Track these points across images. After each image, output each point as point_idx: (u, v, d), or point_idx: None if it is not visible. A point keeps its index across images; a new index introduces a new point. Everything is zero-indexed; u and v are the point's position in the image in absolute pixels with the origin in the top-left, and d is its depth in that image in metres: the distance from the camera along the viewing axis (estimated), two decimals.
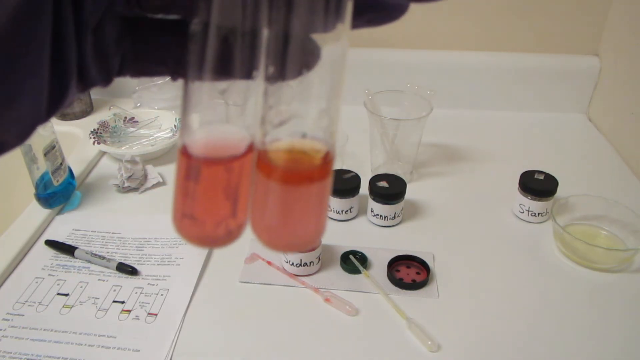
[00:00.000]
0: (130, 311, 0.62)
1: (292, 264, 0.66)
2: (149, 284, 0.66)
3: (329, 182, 0.19)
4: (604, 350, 0.58)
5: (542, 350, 0.58)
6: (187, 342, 0.58)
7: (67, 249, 0.71)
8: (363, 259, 0.68)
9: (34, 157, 0.72)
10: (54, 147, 0.75)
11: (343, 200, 0.74)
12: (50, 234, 0.75)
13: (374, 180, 0.75)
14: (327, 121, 0.18)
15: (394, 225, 0.76)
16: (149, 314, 0.62)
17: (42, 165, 0.74)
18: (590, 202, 0.75)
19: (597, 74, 1.02)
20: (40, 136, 0.72)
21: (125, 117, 0.96)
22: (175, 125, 0.95)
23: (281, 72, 0.18)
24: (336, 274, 0.67)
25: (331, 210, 0.76)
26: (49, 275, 0.68)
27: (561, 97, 1.06)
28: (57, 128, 0.76)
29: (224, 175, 0.18)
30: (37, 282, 0.67)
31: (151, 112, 0.98)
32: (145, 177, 0.84)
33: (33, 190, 0.76)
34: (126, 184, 0.81)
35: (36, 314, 0.62)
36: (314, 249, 0.65)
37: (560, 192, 0.75)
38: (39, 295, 0.65)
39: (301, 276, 0.66)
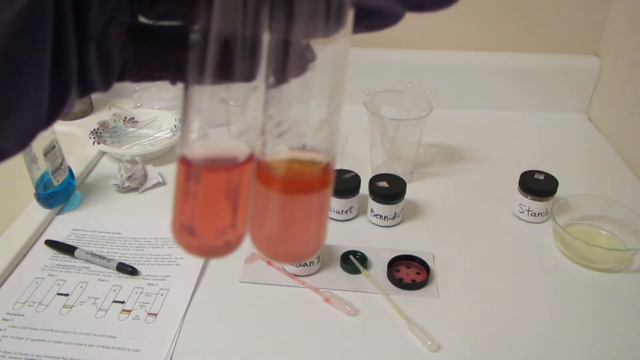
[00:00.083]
0: (130, 311, 0.62)
1: (292, 264, 0.66)
2: (149, 284, 0.66)
3: (329, 193, 0.19)
4: (604, 350, 0.58)
5: (542, 350, 0.58)
6: (187, 342, 0.58)
7: (67, 249, 0.71)
8: (363, 259, 0.68)
9: (34, 157, 0.72)
10: (54, 147, 0.75)
11: (343, 200, 0.74)
12: (50, 234, 0.75)
13: (374, 180, 0.75)
14: (327, 131, 0.18)
15: (394, 225, 0.76)
16: (149, 314, 0.62)
17: (42, 165, 0.74)
18: (590, 202, 0.75)
19: (597, 74, 1.02)
20: (40, 136, 0.72)
21: (125, 117, 0.96)
22: (175, 125, 0.95)
23: (280, 79, 0.18)
24: (336, 274, 0.67)
25: (331, 210, 0.76)
26: (49, 275, 0.68)
27: (561, 97, 1.06)
28: (57, 128, 0.76)
29: (223, 185, 0.18)
30: (37, 282, 0.67)
31: (151, 112, 0.98)
32: (145, 177, 0.84)
33: (33, 190, 0.76)
34: (126, 184, 0.81)
35: (36, 314, 0.62)
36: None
37: (560, 192, 0.75)
38: (39, 295, 0.65)
39: (301, 276, 0.66)
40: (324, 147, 0.18)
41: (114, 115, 0.96)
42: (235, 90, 0.18)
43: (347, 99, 0.19)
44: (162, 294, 0.64)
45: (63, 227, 0.76)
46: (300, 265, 0.66)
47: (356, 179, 0.75)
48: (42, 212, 0.76)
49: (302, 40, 0.17)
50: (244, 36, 0.17)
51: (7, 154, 0.18)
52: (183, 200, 0.18)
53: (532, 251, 0.72)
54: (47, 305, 0.63)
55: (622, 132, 0.95)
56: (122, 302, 0.63)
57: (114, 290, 0.65)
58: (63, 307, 0.63)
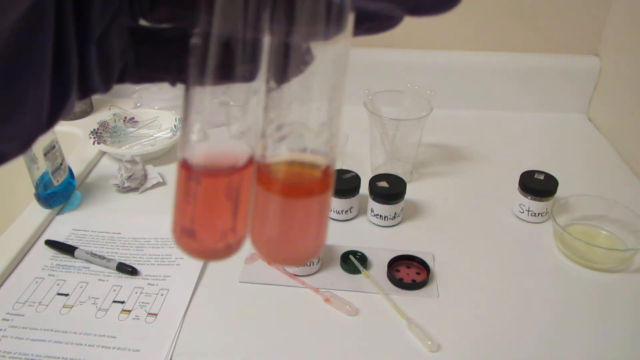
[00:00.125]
0: (130, 311, 0.62)
1: (293, 266, 0.66)
2: (149, 284, 0.66)
3: (329, 196, 0.19)
4: (604, 350, 0.58)
5: (542, 350, 0.58)
6: (187, 342, 0.58)
7: (67, 249, 0.71)
8: (363, 259, 0.68)
9: (34, 157, 0.72)
10: (54, 147, 0.75)
11: (343, 200, 0.75)
12: (50, 234, 0.75)
13: (374, 180, 0.75)
14: (328, 134, 0.18)
15: (394, 225, 0.76)
16: (149, 314, 0.62)
17: (42, 165, 0.74)
18: (590, 202, 0.75)
19: (597, 74, 1.02)
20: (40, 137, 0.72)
21: (125, 117, 0.96)
22: (175, 125, 0.95)
23: (281, 82, 0.18)
24: (336, 274, 0.67)
25: (331, 211, 0.76)
26: (49, 275, 0.68)
27: (561, 97, 1.06)
28: (57, 128, 0.76)
29: (224, 189, 0.18)
30: (37, 282, 0.67)
31: (151, 112, 0.98)
32: (145, 177, 0.84)
33: (33, 190, 0.76)
34: (126, 184, 0.81)
35: (36, 314, 0.62)
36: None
37: (560, 192, 0.75)
38: (39, 295, 0.65)
39: (301, 276, 0.66)
40: (324, 150, 0.18)
41: (114, 115, 0.96)
42: (236, 90, 0.18)
43: (347, 99, 0.19)
44: (162, 294, 0.64)
45: (63, 227, 0.76)
46: (300, 265, 0.66)
47: (356, 179, 0.75)
48: (42, 212, 0.76)
49: (302, 43, 0.17)
50: (244, 39, 0.17)
51: (8, 157, 0.18)
52: (184, 203, 0.18)
53: (532, 251, 0.72)
54: (47, 305, 0.63)
55: (622, 132, 0.95)
56: (122, 302, 0.63)
57: (114, 290, 0.65)
58: (63, 307, 0.63)
